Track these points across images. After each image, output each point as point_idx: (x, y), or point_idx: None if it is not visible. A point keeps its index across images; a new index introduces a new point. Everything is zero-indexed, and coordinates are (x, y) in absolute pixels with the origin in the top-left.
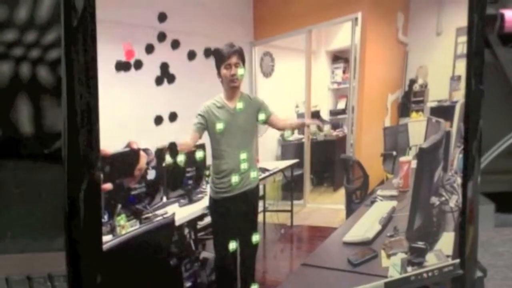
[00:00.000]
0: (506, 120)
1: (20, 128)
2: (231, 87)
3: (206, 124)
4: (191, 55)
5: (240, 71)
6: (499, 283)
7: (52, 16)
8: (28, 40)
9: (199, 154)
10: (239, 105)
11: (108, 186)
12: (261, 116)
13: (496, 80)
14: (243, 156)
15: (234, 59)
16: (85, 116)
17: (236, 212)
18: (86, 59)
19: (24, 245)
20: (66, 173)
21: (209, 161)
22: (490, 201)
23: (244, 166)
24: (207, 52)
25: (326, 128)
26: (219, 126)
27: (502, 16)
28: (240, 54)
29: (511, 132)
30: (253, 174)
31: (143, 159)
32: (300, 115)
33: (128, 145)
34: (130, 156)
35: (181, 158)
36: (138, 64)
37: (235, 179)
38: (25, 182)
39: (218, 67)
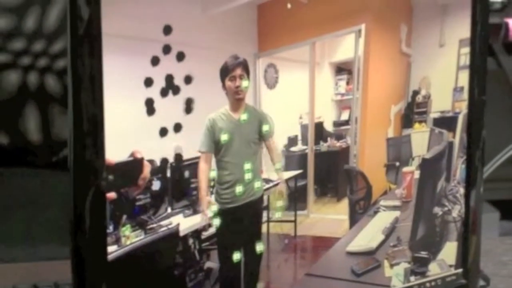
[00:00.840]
0: (510, 128)
1: (28, 136)
2: (236, 99)
3: (214, 140)
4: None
5: (244, 83)
6: None
7: (59, 25)
8: (36, 49)
9: (212, 174)
10: (244, 116)
11: (112, 195)
12: (265, 128)
13: (500, 89)
14: (247, 166)
15: (238, 71)
16: (91, 126)
17: (240, 222)
18: (91, 70)
19: (30, 253)
20: (72, 182)
21: (213, 172)
22: (495, 209)
23: (248, 176)
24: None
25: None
26: (224, 137)
27: (507, 25)
28: (244, 66)
29: None
30: (257, 185)
31: (147, 168)
32: (304, 126)
33: (132, 154)
34: (134, 166)
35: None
36: (148, 82)
37: (239, 189)
38: (32, 190)
39: (222, 79)
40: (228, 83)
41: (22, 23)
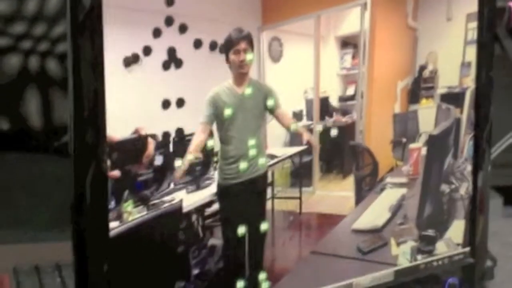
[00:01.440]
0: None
1: (29, 121)
2: (240, 73)
3: (215, 113)
4: (198, 44)
5: (249, 56)
6: (509, 273)
7: (60, 8)
8: (37, 33)
9: (209, 143)
10: (248, 90)
11: (115, 173)
12: (270, 102)
13: (504, 73)
14: (251, 142)
15: (243, 45)
16: (92, 100)
17: (244, 199)
18: (92, 44)
19: (32, 235)
20: (73, 158)
21: (217, 147)
22: (498, 195)
23: (252, 152)
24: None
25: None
26: (228, 111)
27: (510, 9)
28: (249, 39)
29: None
30: (262, 161)
31: (151, 145)
32: (309, 101)
33: (136, 131)
34: (138, 143)
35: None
36: (147, 51)
37: (243, 165)
38: (34, 174)
39: (226, 53)
40: (232, 56)
41: (23, 7)
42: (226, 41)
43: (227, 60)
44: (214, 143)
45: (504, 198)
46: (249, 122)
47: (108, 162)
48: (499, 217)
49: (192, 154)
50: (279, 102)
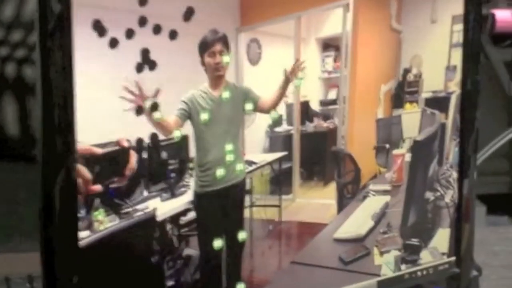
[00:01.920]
0: (497, 121)
1: (5, 129)
2: (216, 76)
3: (189, 113)
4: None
5: (225, 59)
6: (495, 283)
7: None
8: (14, 40)
9: (176, 133)
10: (225, 94)
11: (97, 187)
12: (248, 106)
13: (487, 80)
14: (228, 147)
15: (218, 47)
16: (61, 106)
17: (221, 207)
18: (62, 44)
19: (4, 244)
20: (41, 166)
21: (192, 153)
22: (481, 203)
23: (229, 158)
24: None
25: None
26: (204, 116)
27: (493, 16)
28: (224, 41)
29: (502, 134)
30: (240, 167)
31: (133, 158)
32: (289, 106)
33: (118, 143)
34: (120, 155)
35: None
36: (114, 43)
37: (220, 172)
38: (6, 183)
39: (201, 55)
40: (207, 59)
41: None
42: (201, 43)
43: (202, 62)
44: (189, 148)
45: (487, 206)
46: (226, 127)
47: (90, 176)
48: (483, 225)
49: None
50: (256, 95)
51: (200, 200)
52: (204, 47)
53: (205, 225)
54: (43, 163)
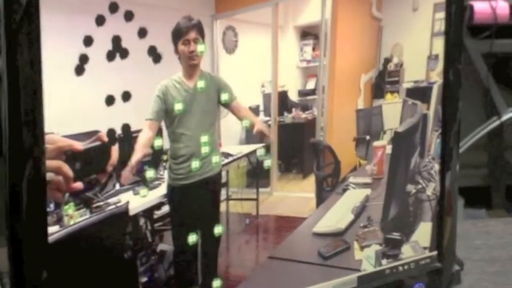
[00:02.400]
0: (475, 114)
1: None
2: (190, 65)
3: (164, 107)
4: (143, 32)
5: (199, 47)
6: (476, 277)
7: None
8: None
9: (156, 142)
10: (200, 84)
11: (78, 185)
12: (224, 97)
13: (465, 72)
14: (204, 139)
15: (192, 34)
16: (27, 95)
17: (196, 200)
18: (29, 31)
19: None
20: (7, 158)
21: (166, 145)
22: (459, 196)
23: (205, 150)
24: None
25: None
26: (178, 106)
27: (471, 7)
28: (199, 28)
29: (480, 126)
30: (215, 159)
31: (115, 153)
32: (267, 96)
33: (98, 138)
34: (101, 151)
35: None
36: (88, 41)
37: (195, 164)
38: None
39: (175, 43)
40: (181, 47)
41: None
42: (174, 30)
43: (176, 50)
44: (163, 142)
45: (465, 199)
46: (201, 118)
47: (71, 174)
48: (461, 219)
49: (139, 152)
50: (233, 94)
51: (174, 194)
52: (178, 34)
53: (179, 219)
54: (9, 155)
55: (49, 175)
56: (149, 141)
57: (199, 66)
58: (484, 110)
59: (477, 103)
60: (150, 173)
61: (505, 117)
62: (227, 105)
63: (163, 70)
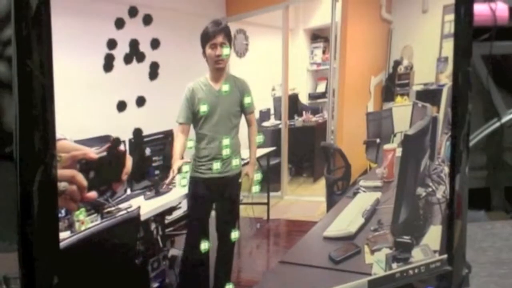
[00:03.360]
0: (474, 115)
1: None
2: (216, 68)
3: (192, 109)
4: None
5: (225, 51)
6: (484, 280)
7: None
8: None
9: (189, 143)
10: (225, 87)
11: (92, 195)
12: (247, 100)
13: None
14: (226, 142)
15: (220, 38)
16: (38, 101)
17: (215, 195)
18: (39, 39)
19: None
20: (18, 163)
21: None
22: None
23: (226, 152)
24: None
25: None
26: (204, 108)
27: None
28: (226, 32)
29: (479, 128)
30: (236, 162)
31: (129, 161)
32: (277, 99)
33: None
34: (116, 159)
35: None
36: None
37: (216, 166)
38: None
39: (203, 46)
40: (208, 50)
41: None
42: (203, 34)
43: (204, 54)
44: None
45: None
46: (224, 121)
47: (85, 183)
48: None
49: (178, 159)
50: (253, 104)
51: (194, 185)
52: (206, 38)
53: (196, 212)
54: (20, 160)
55: (63, 185)
56: (184, 146)
57: (225, 70)
58: (484, 111)
59: (476, 105)
60: (186, 168)
61: (505, 119)
62: (246, 112)
63: (179, 74)
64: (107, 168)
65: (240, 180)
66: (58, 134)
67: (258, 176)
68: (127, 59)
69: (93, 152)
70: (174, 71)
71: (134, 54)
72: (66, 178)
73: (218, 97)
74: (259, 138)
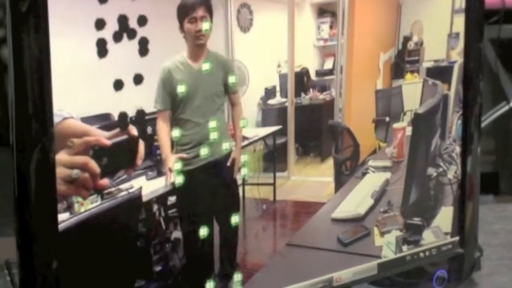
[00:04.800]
0: (483, 100)
1: None
2: (196, 45)
3: (169, 91)
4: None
5: (206, 25)
6: (496, 263)
7: None
8: None
9: (174, 132)
10: (205, 66)
11: (105, 182)
12: (232, 79)
13: None
14: (212, 124)
15: (200, 12)
16: (34, 76)
17: (205, 186)
18: (34, 15)
19: None
20: (14, 142)
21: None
22: None
23: (213, 136)
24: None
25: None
26: (181, 89)
27: None
28: (207, 5)
29: (488, 112)
30: (226, 146)
31: (142, 146)
32: (283, 76)
33: (127, 131)
34: (130, 145)
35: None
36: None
37: (204, 151)
38: None
39: (180, 21)
40: (187, 25)
41: None
42: (180, 6)
43: (181, 28)
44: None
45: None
46: (208, 102)
47: (98, 170)
48: None
49: (171, 155)
50: (237, 85)
51: (184, 180)
52: (184, 11)
53: (191, 206)
54: (16, 140)
55: (75, 172)
56: (169, 130)
57: (205, 46)
58: (492, 95)
59: (485, 88)
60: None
61: None
62: (228, 91)
63: (175, 50)
64: (121, 154)
65: (228, 164)
66: (65, 113)
67: (245, 157)
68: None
69: (106, 138)
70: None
71: (124, 30)
72: (79, 165)
73: (198, 77)
74: (243, 123)
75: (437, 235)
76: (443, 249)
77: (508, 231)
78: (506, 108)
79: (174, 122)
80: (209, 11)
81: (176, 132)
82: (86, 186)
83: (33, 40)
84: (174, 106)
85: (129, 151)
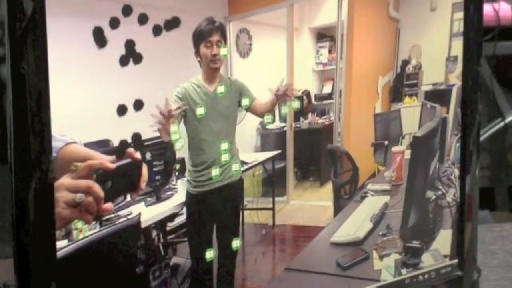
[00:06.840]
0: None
1: None
2: (212, 68)
3: (184, 110)
4: (157, 30)
5: (222, 50)
6: (494, 284)
7: None
8: None
9: (173, 136)
10: (220, 88)
11: (109, 206)
12: (245, 102)
13: None
14: (224, 146)
15: (216, 37)
16: (34, 104)
17: (215, 207)
18: (34, 36)
19: None
20: (13, 169)
21: (181, 153)
22: None
23: (225, 157)
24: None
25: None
26: (199, 111)
27: None
28: (222, 31)
29: (483, 128)
30: (235, 167)
31: (145, 169)
32: None
33: (128, 155)
34: (133, 168)
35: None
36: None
37: (215, 172)
38: None
39: (196, 45)
40: (203, 50)
41: None
42: (196, 32)
43: (197, 53)
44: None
45: None
46: (221, 124)
47: (102, 194)
48: None
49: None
50: (253, 95)
51: (192, 200)
52: (200, 36)
53: (197, 227)
54: (14, 163)
55: (79, 196)
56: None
57: (219, 70)
58: (488, 111)
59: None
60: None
61: (508, 119)
62: (247, 107)
63: (178, 76)
64: (125, 177)
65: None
66: (68, 138)
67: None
68: (123, 61)
69: (110, 162)
70: (174, 73)
71: (131, 55)
72: (83, 188)
73: (213, 99)
74: (268, 119)
75: (436, 258)
76: (442, 272)
77: (506, 252)
78: (501, 124)
79: (190, 142)
80: (224, 36)
81: (177, 136)
82: (90, 210)
83: (32, 63)
84: (190, 126)
85: (132, 174)
